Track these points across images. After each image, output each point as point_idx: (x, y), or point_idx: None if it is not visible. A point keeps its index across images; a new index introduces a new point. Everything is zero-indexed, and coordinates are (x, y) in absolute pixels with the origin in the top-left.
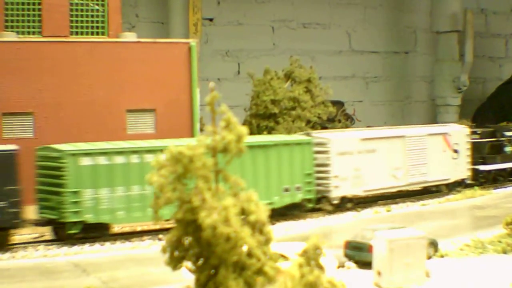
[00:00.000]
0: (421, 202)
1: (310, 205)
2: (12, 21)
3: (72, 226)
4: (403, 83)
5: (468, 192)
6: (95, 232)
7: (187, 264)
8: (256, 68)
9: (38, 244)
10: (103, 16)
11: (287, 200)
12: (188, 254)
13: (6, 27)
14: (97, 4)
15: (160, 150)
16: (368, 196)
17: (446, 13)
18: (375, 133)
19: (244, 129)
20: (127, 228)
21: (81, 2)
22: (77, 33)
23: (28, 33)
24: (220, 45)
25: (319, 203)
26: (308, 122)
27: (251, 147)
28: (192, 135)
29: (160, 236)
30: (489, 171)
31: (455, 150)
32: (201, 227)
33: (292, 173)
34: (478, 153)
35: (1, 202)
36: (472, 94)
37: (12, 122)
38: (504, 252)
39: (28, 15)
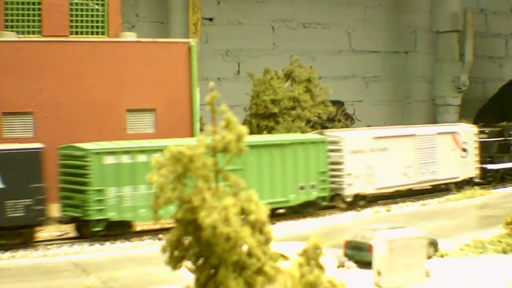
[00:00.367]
0: (421, 202)
1: (325, 203)
2: (12, 20)
3: (96, 224)
4: (403, 83)
5: (468, 192)
6: (118, 230)
7: (187, 263)
8: (256, 67)
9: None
10: (103, 16)
11: (302, 198)
12: (188, 254)
13: (6, 26)
14: (97, 4)
15: None
16: (380, 194)
17: (446, 13)
18: (387, 132)
19: (244, 129)
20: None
21: (81, 2)
22: (77, 33)
23: (28, 32)
24: (220, 45)
25: (332, 201)
26: (308, 121)
27: (269, 145)
28: (192, 134)
29: (160, 235)
30: (497, 170)
31: (463, 149)
32: (201, 227)
33: (307, 171)
34: (486, 152)
35: (27, 200)
36: (472, 94)
37: (12, 122)
38: (504, 252)
39: (28, 15)
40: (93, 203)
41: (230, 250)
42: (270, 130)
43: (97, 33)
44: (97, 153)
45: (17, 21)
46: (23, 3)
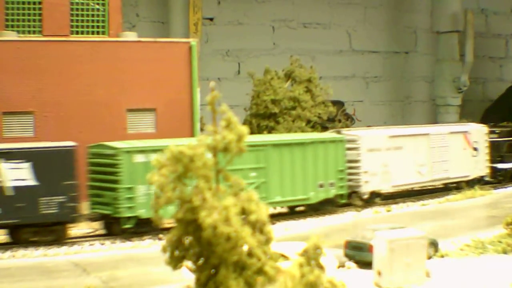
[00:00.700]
0: (421, 202)
1: (343, 201)
2: (12, 20)
3: (126, 221)
4: (403, 83)
5: (468, 192)
6: (147, 227)
7: (187, 263)
8: (256, 67)
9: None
10: (103, 16)
11: (321, 195)
12: (189, 254)
13: (7, 26)
14: (98, 4)
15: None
16: (395, 192)
17: (446, 13)
18: (402, 131)
19: (245, 129)
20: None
21: (82, 1)
22: (77, 33)
23: (29, 32)
24: (220, 45)
25: (349, 199)
26: (308, 122)
27: (290, 144)
28: (192, 134)
29: (160, 235)
30: (506, 169)
31: (474, 148)
32: (201, 227)
33: (326, 169)
34: (497, 152)
35: (60, 197)
36: (472, 94)
37: (12, 121)
38: (504, 252)
39: (29, 14)
40: (124, 201)
41: (230, 250)
42: (270, 130)
43: (98, 32)
44: (128, 151)
45: (18, 20)
46: (23, 3)
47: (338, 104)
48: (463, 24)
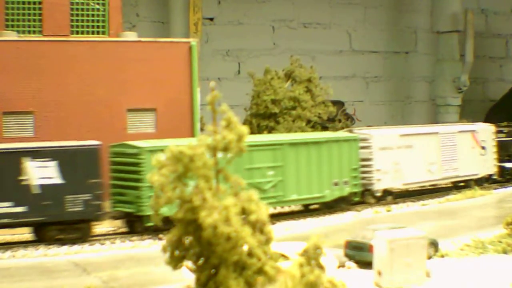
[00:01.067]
0: (421, 202)
1: (356, 198)
2: (12, 20)
3: (149, 219)
4: (403, 83)
5: (468, 192)
6: (170, 225)
7: (188, 263)
8: (256, 67)
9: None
10: (103, 16)
11: (336, 193)
12: (189, 254)
13: (7, 26)
14: (98, 4)
15: None
16: (406, 190)
17: (446, 13)
18: (413, 130)
19: (245, 129)
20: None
21: (82, 1)
22: (77, 32)
23: (29, 32)
24: (220, 45)
25: (362, 197)
26: (309, 121)
27: (306, 143)
28: (192, 134)
29: (161, 235)
30: None
31: (482, 147)
32: (201, 227)
33: (340, 167)
34: (505, 151)
35: (86, 195)
36: (472, 94)
37: (12, 121)
38: (504, 252)
39: (29, 14)
40: (146, 199)
41: (230, 250)
42: (270, 130)
43: (98, 32)
44: (151, 150)
45: (18, 20)
46: (23, 3)
47: (338, 104)
48: (463, 24)
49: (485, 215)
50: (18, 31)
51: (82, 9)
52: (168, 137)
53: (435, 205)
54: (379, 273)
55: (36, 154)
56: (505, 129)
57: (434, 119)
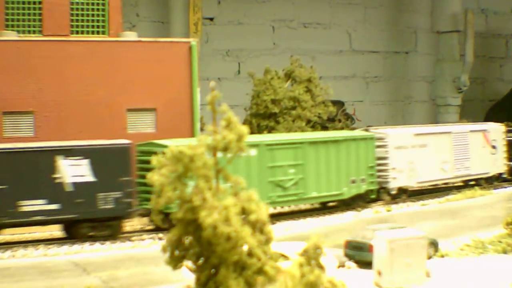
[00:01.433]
0: (421, 202)
1: (373, 196)
2: (12, 20)
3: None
4: (403, 83)
5: (468, 192)
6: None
7: (188, 263)
8: (256, 67)
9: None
10: (103, 15)
11: (354, 191)
12: (189, 254)
13: (7, 26)
14: (98, 4)
15: (253, 145)
16: (420, 188)
17: (446, 13)
18: (426, 129)
19: (245, 129)
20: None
21: (82, 1)
22: (77, 33)
23: (29, 32)
24: (220, 45)
25: (377, 194)
26: (308, 121)
27: (326, 142)
28: (192, 134)
29: (161, 235)
30: None
31: (493, 146)
32: (201, 227)
33: (357, 165)
34: None
35: (117, 192)
36: (472, 94)
37: (12, 121)
38: (504, 252)
39: (29, 14)
40: None
41: (230, 250)
42: (270, 130)
43: (98, 32)
44: None
45: (18, 20)
46: (23, 3)
47: (338, 104)
48: (463, 24)
49: (485, 215)
50: (18, 31)
51: (82, 9)
52: (168, 137)
53: (435, 205)
54: (379, 273)
55: (69, 152)
56: None
57: (434, 119)
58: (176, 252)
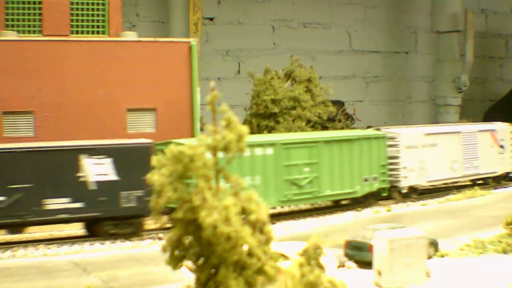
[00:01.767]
0: (421, 202)
1: (385, 194)
2: (12, 20)
3: None
4: (403, 83)
5: (468, 192)
6: None
7: (188, 263)
8: (256, 67)
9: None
10: (103, 15)
11: (366, 189)
12: (189, 254)
13: (7, 26)
14: (98, 3)
15: (270, 144)
16: (430, 187)
17: (446, 13)
18: (436, 129)
19: (245, 129)
20: None
21: (82, 1)
22: (77, 32)
23: (29, 32)
24: (220, 45)
25: (389, 193)
26: (308, 121)
27: (339, 141)
28: (192, 134)
29: (160, 235)
30: None
31: (501, 146)
32: (201, 227)
33: (370, 164)
34: None
35: (139, 191)
36: (472, 94)
37: (12, 121)
38: (504, 252)
39: (29, 14)
40: None
41: (230, 250)
42: (270, 130)
43: (98, 32)
44: None
45: (18, 20)
46: (23, 2)
47: (338, 104)
48: (463, 24)
49: (485, 215)
50: (18, 31)
51: (82, 9)
52: (168, 137)
53: (435, 205)
54: (379, 273)
55: (92, 151)
56: None
57: (434, 119)
58: (176, 252)
